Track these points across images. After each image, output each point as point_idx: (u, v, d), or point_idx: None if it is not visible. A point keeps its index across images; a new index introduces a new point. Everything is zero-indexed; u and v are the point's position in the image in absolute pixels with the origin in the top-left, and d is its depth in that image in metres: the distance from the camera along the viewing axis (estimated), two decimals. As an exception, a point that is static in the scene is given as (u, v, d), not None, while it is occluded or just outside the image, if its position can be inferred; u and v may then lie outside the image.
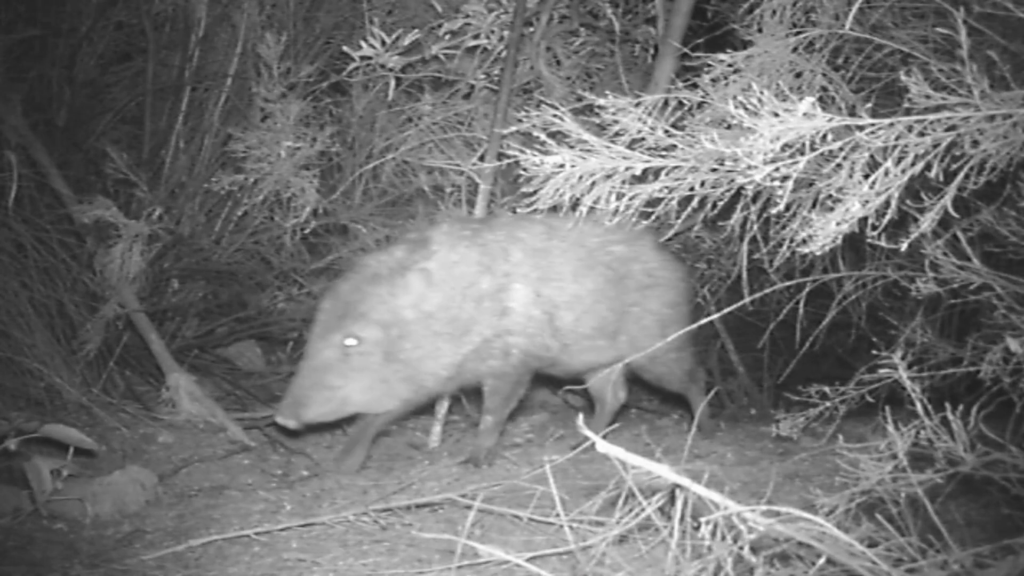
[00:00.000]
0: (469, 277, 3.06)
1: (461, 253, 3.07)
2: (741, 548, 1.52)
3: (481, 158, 3.80)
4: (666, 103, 2.37)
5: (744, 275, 2.83)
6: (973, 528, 2.05)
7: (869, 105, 1.95)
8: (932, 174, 1.82)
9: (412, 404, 3.14)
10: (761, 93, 1.82)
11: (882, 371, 2.06)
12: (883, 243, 1.97)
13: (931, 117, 1.79)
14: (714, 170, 2.10)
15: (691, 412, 3.53)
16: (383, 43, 3.69)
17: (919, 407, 1.72)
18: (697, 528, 1.56)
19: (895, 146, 1.81)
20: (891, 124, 1.80)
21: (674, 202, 2.19)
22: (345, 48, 3.76)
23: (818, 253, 1.99)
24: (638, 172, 2.16)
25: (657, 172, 2.16)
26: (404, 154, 4.05)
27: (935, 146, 1.81)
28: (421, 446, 3.47)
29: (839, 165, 1.88)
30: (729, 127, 2.01)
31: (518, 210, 3.74)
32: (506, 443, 3.42)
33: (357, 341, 2.93)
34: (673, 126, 2.26)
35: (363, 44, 3.69)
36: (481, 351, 3.07)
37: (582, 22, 4.07)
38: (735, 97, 1.87)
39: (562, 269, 3.18)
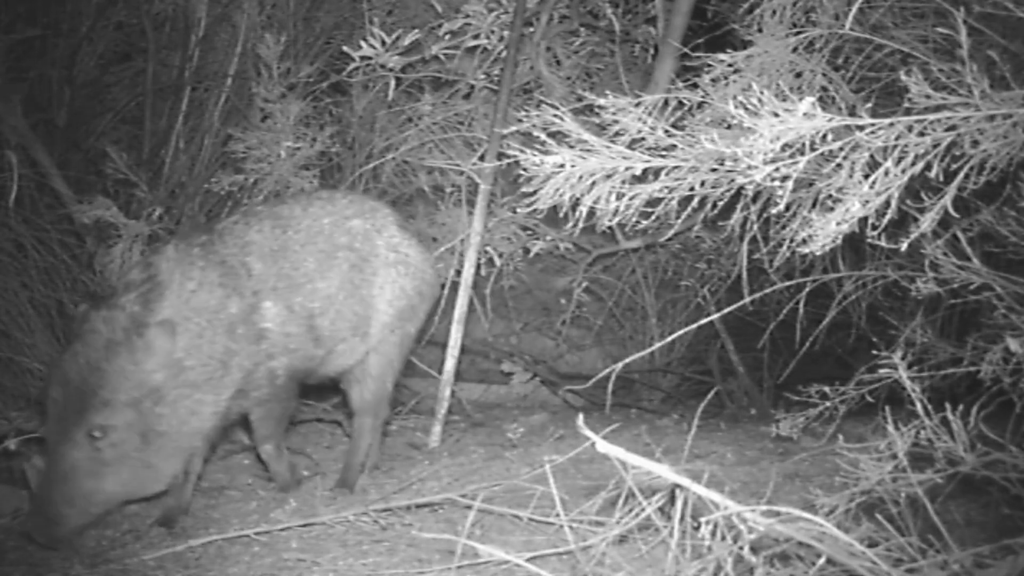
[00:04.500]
0: (214, 304, 2.63)
1: (197, 278, 2.63)
2: (741, 548, 1.52)
3: (481, 158, 3.80)
4: (666, 103, 2.37)
5: (744, 275, 2.83)
6: (973, 528, 2.05)
7: (869, 105, 1.95)
8: (932, 174, 1.82)
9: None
10: (761, 93, 1.82)
11: (882, 371, 2.06)
12: (883, 243, 1.96)
13: (931, 117, 1.79)
14: (714, 170, 2.10)
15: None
16: (383, 43, 3.69)
17: (919, 407, 1.72)
18: (697, 528, 1.56)
19: (895, 146, 1.81)
20: (891, 124, 1.80)
21: (674, 202, 2.19)
22: (345, 48, 3.76)
23: (818, 253, 1.99)
24: (638, 172, 2.16)
25: (657, 172, 2.16)
26: (404, 154, 4.05)
27: (935, 146, 1.81)
28: (421, 446, 3.47)
29: (839, 165, 1.88)
30: (729, 127, 2.01)
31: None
32: (506, 443, 3.42)
33: (104, 433, 2.45)
34: (673, 126, 2.26)
35: (363, 44, 3.70)
36: (244, 386, 2.69)
37: (582, 22, 4.07)
38: (735, 97, 1.86)
39: (307, 268, 2.82)
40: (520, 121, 2.48)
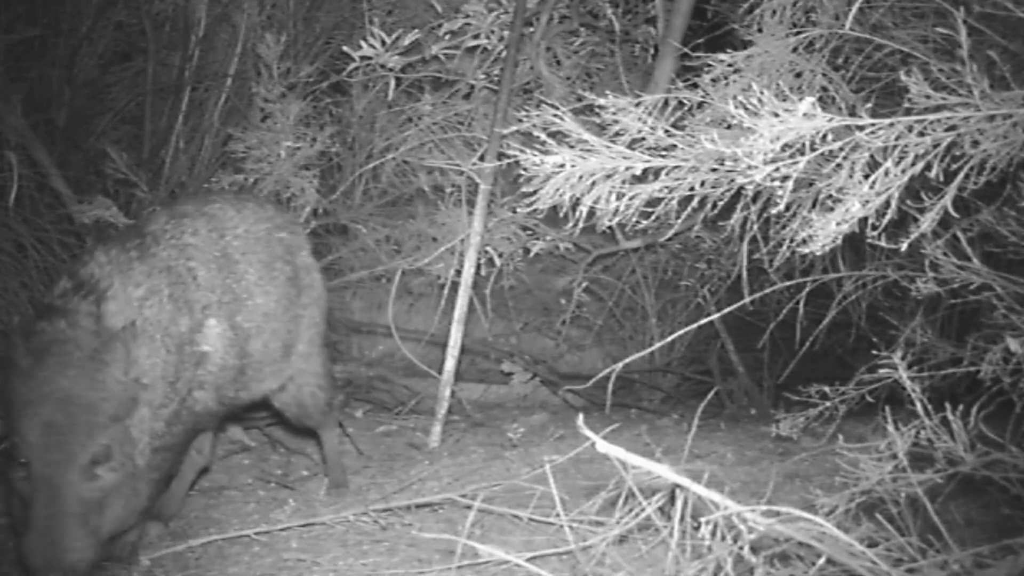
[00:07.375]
0: (165, 319, 2.22)
1: (145, 285, 2.21)
2: (741, 548, 1.52)
3: (481, 158, 3.80)
4: (666, 103, 2.37)
5: (744, 275, 2.83)
6: (973, 528, 2.05)
7: (869, 105, 1.95)
8: (932, 174, 1.82)
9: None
10: (761, 93, 1.82)
11: (882, 371, 2.06)
12: (883, 243, 1.96)
13: (931, 117, 1.79)
14: (714, 170, 2.10)
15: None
16: (383, 43, 3.69)
17: (919, 407, 1.72)
18: (697, 528, 1.56)
19: (895, 146, 1.81)
20: (891, 124, 1.80)
21: (674, 202, 2.20)
22: (345, 48, 3.77)
23: (818, 253, 1.99)
24: (638, 172, 2.16)
25: (657, 172, 2.16)
26: (404, 154, 4.05)
27: (935, 146, 1.81)
28: (421, 446, 3.47)
29: (839, 165, 1.88)
30: (729, 127, 2.01)
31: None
32: (506, 443, 3.42)
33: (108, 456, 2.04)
34: (673, 126, 2.26)
35: (363, 44, 3.70)
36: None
37: (582, 22, 4.07)
38: (735, 97, 1.87)
39: (248, 280, 2.46)
40: (520, 121, 2.48)
